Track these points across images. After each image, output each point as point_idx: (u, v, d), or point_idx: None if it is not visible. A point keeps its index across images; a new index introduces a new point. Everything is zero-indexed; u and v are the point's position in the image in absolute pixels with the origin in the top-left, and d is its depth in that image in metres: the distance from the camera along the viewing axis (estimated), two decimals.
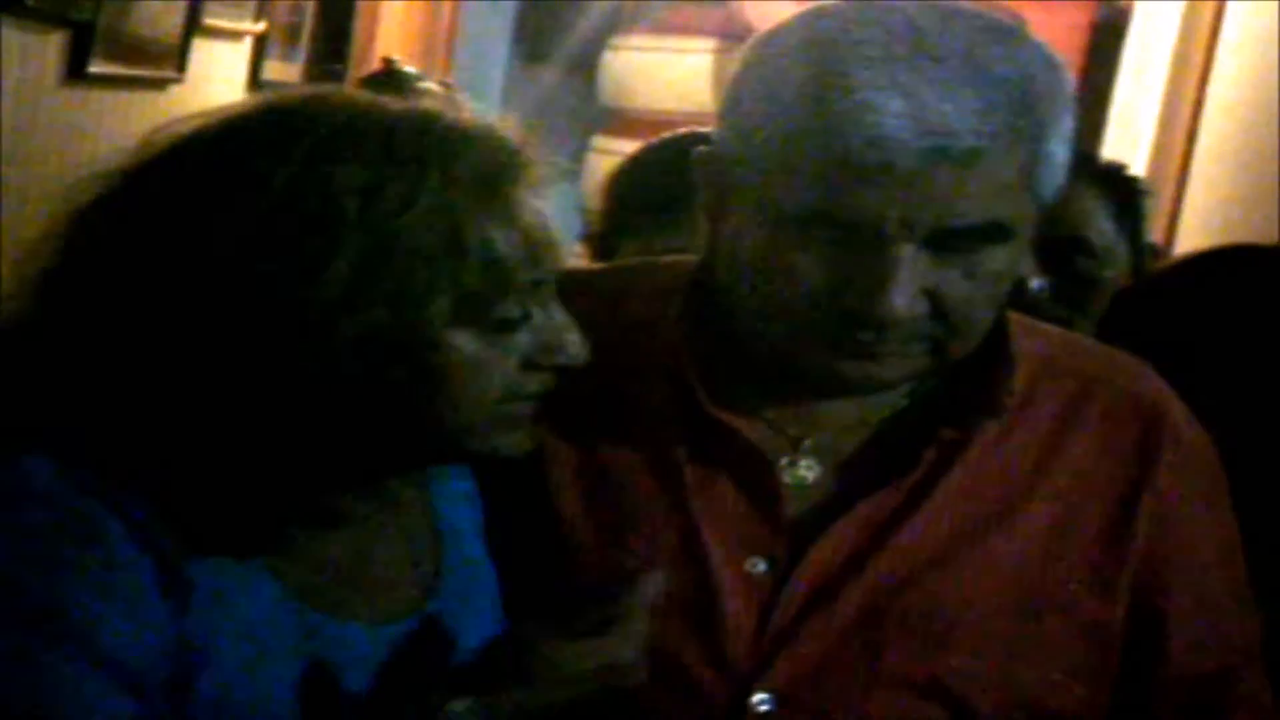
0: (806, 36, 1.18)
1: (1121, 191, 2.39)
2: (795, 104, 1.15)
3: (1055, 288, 2.18)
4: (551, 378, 1.18)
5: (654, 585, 1.18)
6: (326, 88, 1.18)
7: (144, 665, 1.03)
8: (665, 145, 2.16)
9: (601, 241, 2.19)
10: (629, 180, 2.17)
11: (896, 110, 1.10)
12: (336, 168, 1.08)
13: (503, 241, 1.11)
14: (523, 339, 1.15)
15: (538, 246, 1.14)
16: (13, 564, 1.01)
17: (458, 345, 1.11)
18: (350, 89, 1.19)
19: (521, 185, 1.14)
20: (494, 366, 1.14)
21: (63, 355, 1.09)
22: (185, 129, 1.13)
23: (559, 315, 1.18)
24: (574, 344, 1.18)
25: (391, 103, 1.15)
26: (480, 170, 1.11)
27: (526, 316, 1.15)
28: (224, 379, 1.06)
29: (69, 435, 1.06)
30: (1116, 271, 2.31)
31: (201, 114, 1.15)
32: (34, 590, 1.01)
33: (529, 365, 1.16)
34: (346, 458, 1.14)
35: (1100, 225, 2.33)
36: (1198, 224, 3.78)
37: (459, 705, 1.08)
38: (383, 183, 1.08)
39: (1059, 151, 1.19)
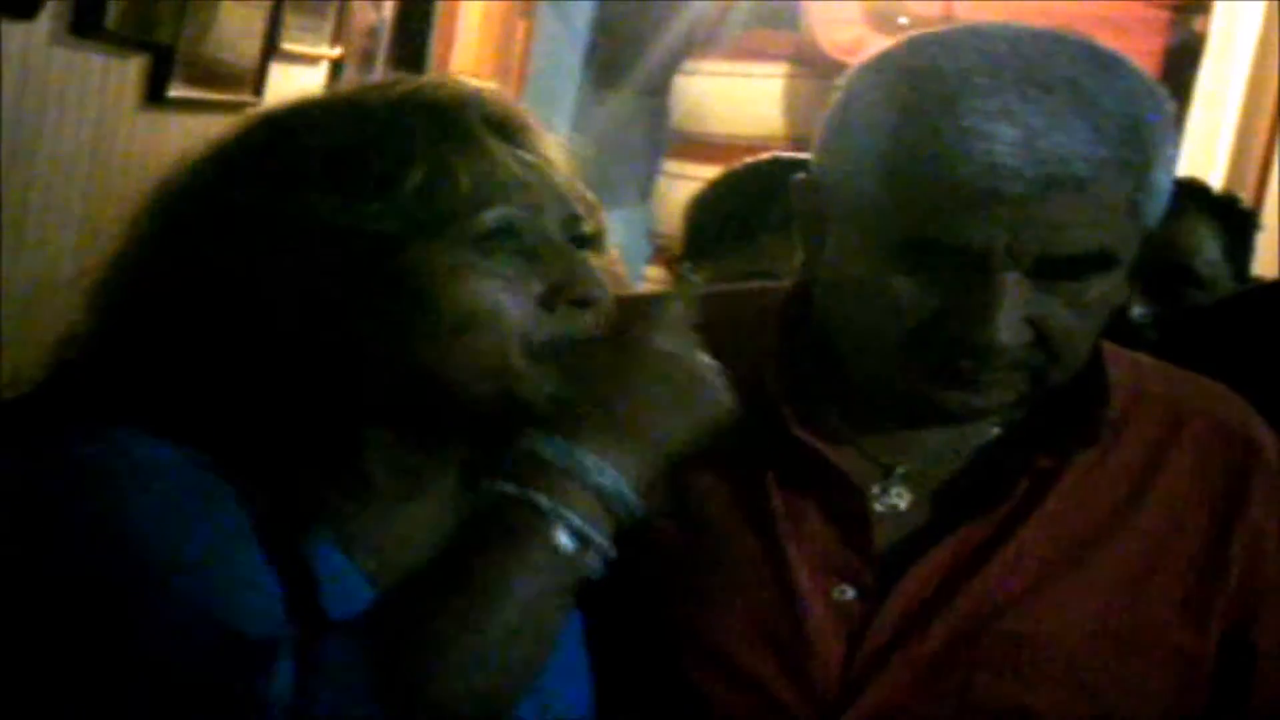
0: (911, 64, 1.18)
1: (1234, 223, 2.37)
2: (902, 131, 1.15)
3: (1158, 316, 2.16)
4: (584, 320, 1.17)
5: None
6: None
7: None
8: (745, 171, 2.17)
9: (682, 264, 2.20)
10: (708, 204, 2.18)
11: (1008, 138, 1.11)
12: (300, 113, 1.19)
13: (467, 166, 1.14)
14: (532, 278, 1.15)
15: (521, 183, 1.16)
16: (140, 530, 1.04)
17: (445, 261, 1.12)
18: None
19: (493, 129, 1.18)
20: (501, 296, 1.13)
21: (133, 347, 1.14)
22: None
23: (571, 254, 1.18)
24: (592, 280, 1.18)
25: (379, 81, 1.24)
26: (443, 104, 1.17)
27: (511, 232, 1.15)
28: (248, 345, 1.11)
29: (146, 414, 1.10)
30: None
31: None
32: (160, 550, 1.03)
33: (550, 304, 1.16)
34: (368, 413, 1.16)
35: (1208, 256, 2.31)
36: (1271, 250, 3.74)
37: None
38: (340, 109, 1.18)
39: (1163, 180, 1.18)
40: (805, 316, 1.30)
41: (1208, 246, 2.29)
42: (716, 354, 1.28)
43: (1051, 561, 1.24)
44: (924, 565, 1.23)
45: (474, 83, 1.22)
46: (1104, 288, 1.19)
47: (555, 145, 1.22)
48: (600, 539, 1.07)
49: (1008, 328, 1.15)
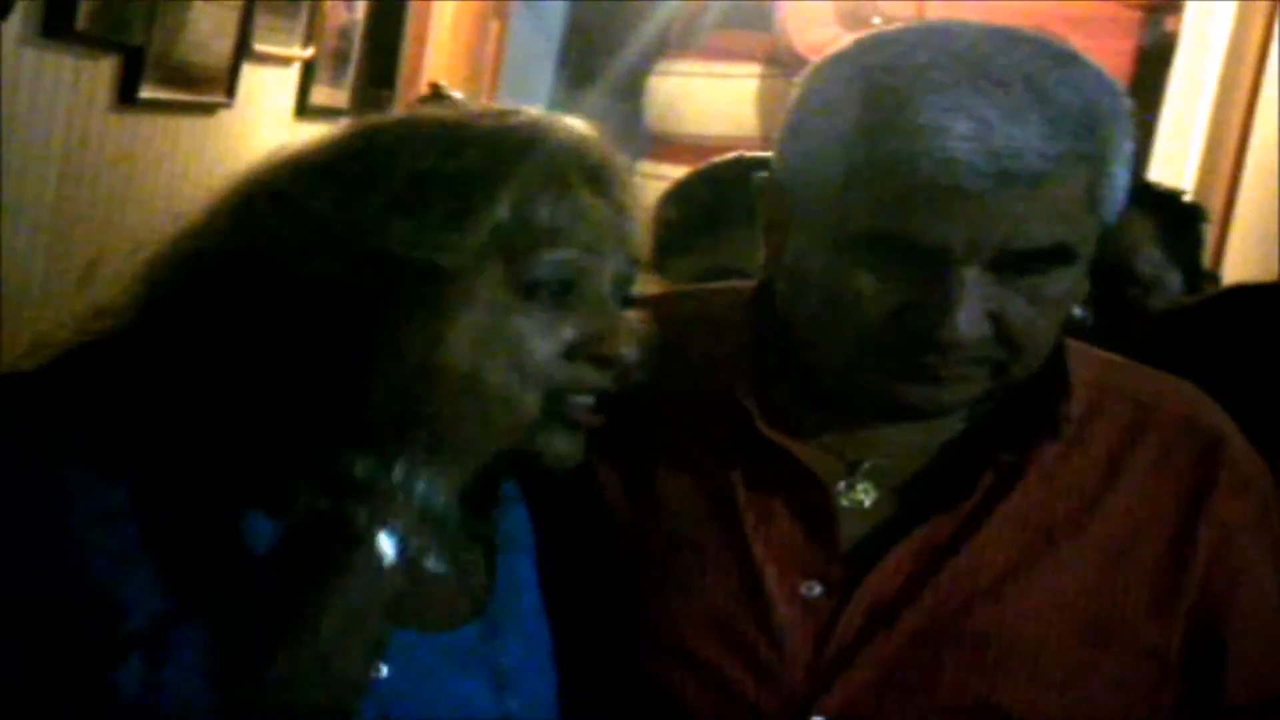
0: (869, 61, 1.19)
1: (1175, 218, 2.35)
2: (860, 128, 1.16)
3: (1099, 317, 2.15)
4: (602, 377, 1.18)
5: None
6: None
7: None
8: (709, 170, 2.19)
9: (650, 262, 2.21)
10: (673, 203, 2.20)
11: (964, 133, 1.11)
12: (398, 131, 1.18)
13: (548, 210, 1.14)
14: (566, 326, 1.16)
15: (592, 232, 1.16)
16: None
17: (489, 301, 1.13)
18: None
19: (586, 177, 1.17)
20: (530, 341, 1.14)
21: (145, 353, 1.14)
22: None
23: (611, 310, 1.18)
24: (624, 339, 1.18)
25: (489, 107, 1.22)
26: (543, 147, 1.16)
27: (565, 287, 1.15)
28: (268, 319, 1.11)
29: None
30: (1165, 300, 2.28)
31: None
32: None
33: (574, 355, 1.16)
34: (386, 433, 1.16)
35: (1149, 253, 2.29)
36: (1244, 249, 3.76)
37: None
38: (438, 135, 1.16)
39: (1121, 174, 1.19)
40: (770, 314, 1.30)
41: (1147, 243, 2.27)
42: (682, 353, 1.29)
43: (1017, 556, 1.24)
44: (890, 561, 1.23)
45: (580, 127, 1.21)
46: (1064, 282, 1.20)
47: (633, 194, 1.22)
48: (420, 542, 1.09)
49: (968, 322, 1.16)
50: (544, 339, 1.15)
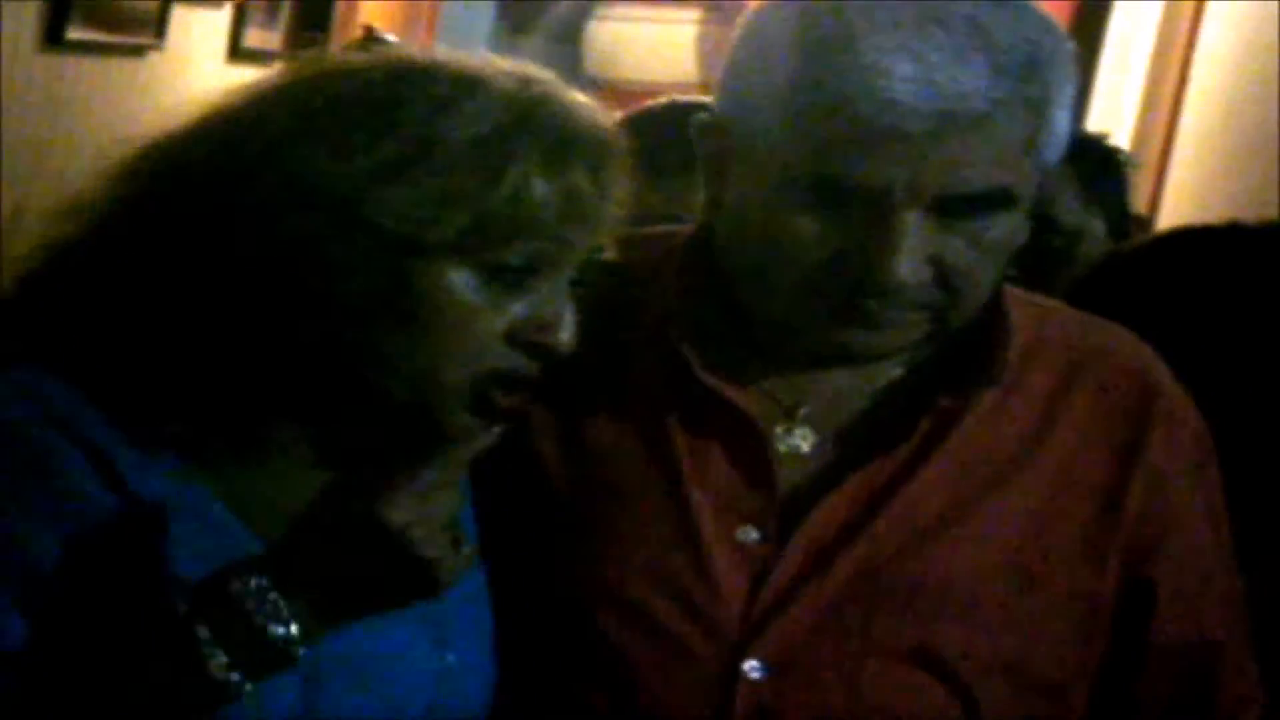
0: (811, 2, 1.17)
1: (1095, 164, 2.33)
2: (801, 69, 1.15)
3: (1020, 267, 2.13)
4: (530, 364, 1.16)
5: (480, 444, 1.14)
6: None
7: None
8: (642, 115, 2.17)
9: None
10: None
11: (906, 75, 1.11)
12: (418, 82, 1.13)
13: (541, 197, 1.12)
14: (516, 306, 1.14)
15: (573, 218, 1.14)
16: None
17: (450, 277, 1.11)
18: None
19: (588, 164, 1.15)
20: (478, 319, 1.13)
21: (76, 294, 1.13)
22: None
23: (563, 298, 1.17)
24: (565, 330, 1.17)
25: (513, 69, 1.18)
26: (560, 134, 1.14)
27: (530, 271, 1.14)
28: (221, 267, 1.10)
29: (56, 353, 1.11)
30: (1089, 247, 2.26)
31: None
32: None
33: (513, 338, 1.15)
34: (314, 385, 1.15)
35: (1067, 202, 2.27)
36: (1180, 200, 3.79)
37: (251, 579, 1.04)
38: (459, 97, 1.12)
39: (1062, 118, 1.19)
40: (708, 258, 1.30)
41: (1067, 191, 2.24)
42: (618, 298, 1.27)
43: (954, 502, 1.24)
44: (826, 506, 1.23)
45: (589, 104, 1.19)
46: (1004, 227, 1.20)
47: (621, 174, 1.20)
48: (239, 680, 1.04)
49: (908, 266, 1.16)
50: (489, 318, 1.14)
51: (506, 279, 1.13)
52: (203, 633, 1.03)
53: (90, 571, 1.08)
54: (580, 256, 1.18)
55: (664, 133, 1.99)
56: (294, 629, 1.04)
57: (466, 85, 1.13)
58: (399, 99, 1.12)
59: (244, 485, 1.16)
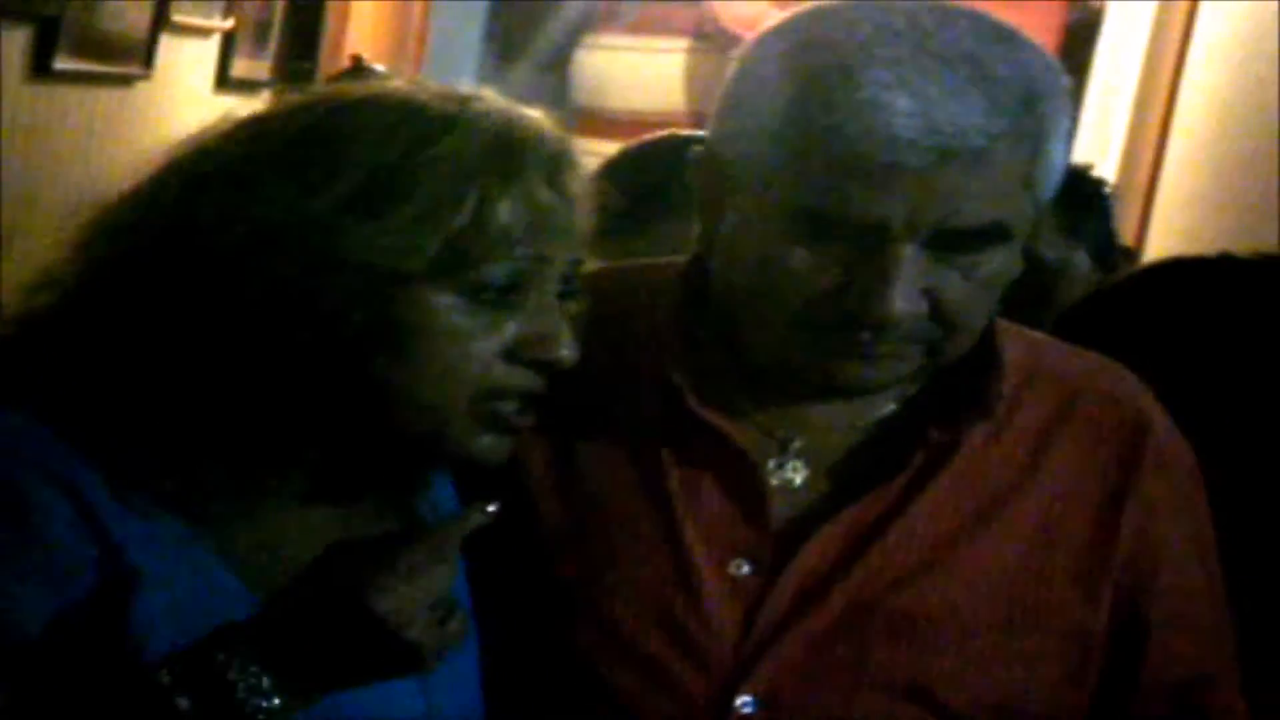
0: (808, 36, 1.18)
1: (1074, 197, 2.31)
2: (799, 102, 1.15)
3: (1004, 308, 2.11)
4: (536, 379, 1.16)
5: (479, 515, 1.13)
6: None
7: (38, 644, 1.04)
8: (645, 150, 2.17)
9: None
10: (610, 184, 2.18)
11: (904, 109, 1.11)
12: (361, 114, 1.12)
13: (506, 209, 1.12)
14: (509, 325, 1.14)
15: (543, 226, 1.14)
16: None
17: (433, 300, 1.11)
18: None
19: (543, 172, 1.15)
20: (472, 341, 1.12)
21: (68, 336, 1.12)
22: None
23: (555, 314, 1.17)
24: (564, 343, 1.16)
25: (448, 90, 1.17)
26: (507, 143, 1.13)
27: (514, 288, 1.13)
28: (199, 320, 1.09)
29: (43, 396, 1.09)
30: (1073, 282, 2.24)
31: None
32: None
33: (512, 356, 1.14)
34: (315, 429, 1.14)
35: (1051, 238, 2.25)
36: (1168, 227, 3.79)
37: (235, 651, 1.03)
38: (403, 122, 1.11)
39: (1058, 152, 1.19)
40: (703, 291, 1.29)
41: (1049, 228, 2.19)
42: (612, 330, 1.27)
43: (946, 536, 1.24)
44: (819, 540, 1.23)
45: (540, 118, 1.18)
46: (1000, 261, 1.20)
47: (585, 182, 1.20)
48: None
49: (904, 299, 1.15)
50: (484, 339, 1.13)
51: (491, 298, 1.13)
52: (183, 704, 1.02)
53: (71, 633, 1.06)
54: (561, 268, 1.17)
55: (665, 170, 1.99)
56: (276, 702, 1.03)
57: (409, 111, 1.13)
58: (347, 131, 1.12)
59: (235, 532, 1.15)
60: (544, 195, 1.15)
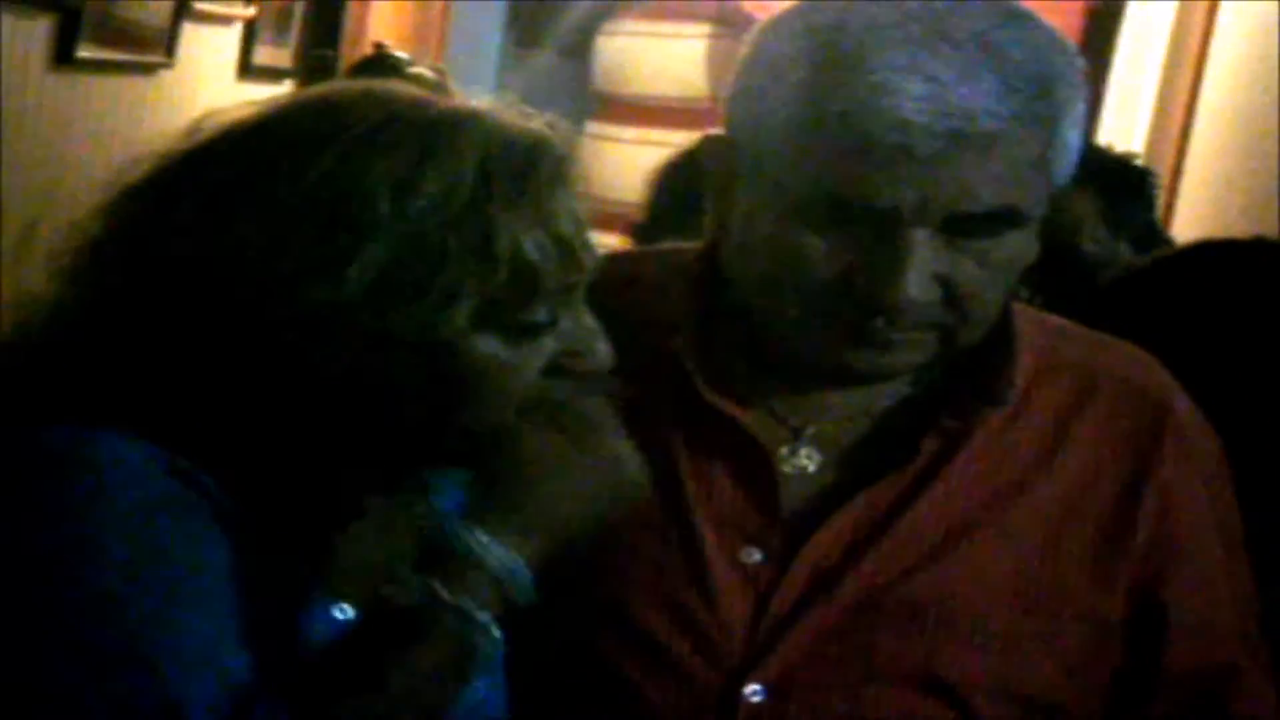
0: (819, 20, 1.17)
1: (1121, 189, 2.30)
2: (811, 87, 1.14)
3: (1045, 300, 2.10)
4: (575, 385, 1.15)
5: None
6: (369, 83, 1.15)
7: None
8: (687, 155, 2.20)
9: (642, 233, 2.22)
10: (670, 176, 2.20)
11: (916, 93, 1.10)
12: (370, 163, 1.06)
13: (533, 246, 1.08)
14: (547, 344, 1.12)
15: (569, 251, 1.11)
16: (100, 531, 0.99)
17: (479, 349, 1.09)
18: (395, 85, 1.15)
19: (558, 187, 1.12)
20: (516, 371, 1.11)
21: (100, 342, 1.07)
22: (227, 119, 1.11)
23: (587, 320, 1.15)
24: (601, 350, 1.15)
25: (435, 100, 1.12)
26: (518, 171, 1.09)
27: (553, 322, 1.12)
28: (243, 375, 1.05)
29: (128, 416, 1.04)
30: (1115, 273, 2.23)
31: (248, 104, 1.13)
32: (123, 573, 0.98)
33: (553, 371, 1.13)
34: (367, 457, 1.11)
35: (1094, 231, 2.24)
36: (1194, 210, 3.77)
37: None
38: (416, 180, 1.06)
39: (1073, 135, 1.18)
40: (716, 277, 1.29)
41: (1092, 222, 2.18)
42: (625, 314, 1.27)
43: (960, 523, 1.23)
44: (831, 528, 1.22)
45: (540, 123, 1.13)
46: (1013, 245, 1.19)
47: (582, 170, 1.16)
48: (485, 620, 1.06)
49: (917, 285, 1.15)
50: (527, 368, 1.12)
51: (532, 339, 1.11)
52: (443, 592, 1.04)
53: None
54: (588, 280, 1.15)
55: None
56: None
57: (418, 161, 1.07)
58: (363, 194, 1.05)
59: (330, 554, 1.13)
60: (564, 213, 1.11)
